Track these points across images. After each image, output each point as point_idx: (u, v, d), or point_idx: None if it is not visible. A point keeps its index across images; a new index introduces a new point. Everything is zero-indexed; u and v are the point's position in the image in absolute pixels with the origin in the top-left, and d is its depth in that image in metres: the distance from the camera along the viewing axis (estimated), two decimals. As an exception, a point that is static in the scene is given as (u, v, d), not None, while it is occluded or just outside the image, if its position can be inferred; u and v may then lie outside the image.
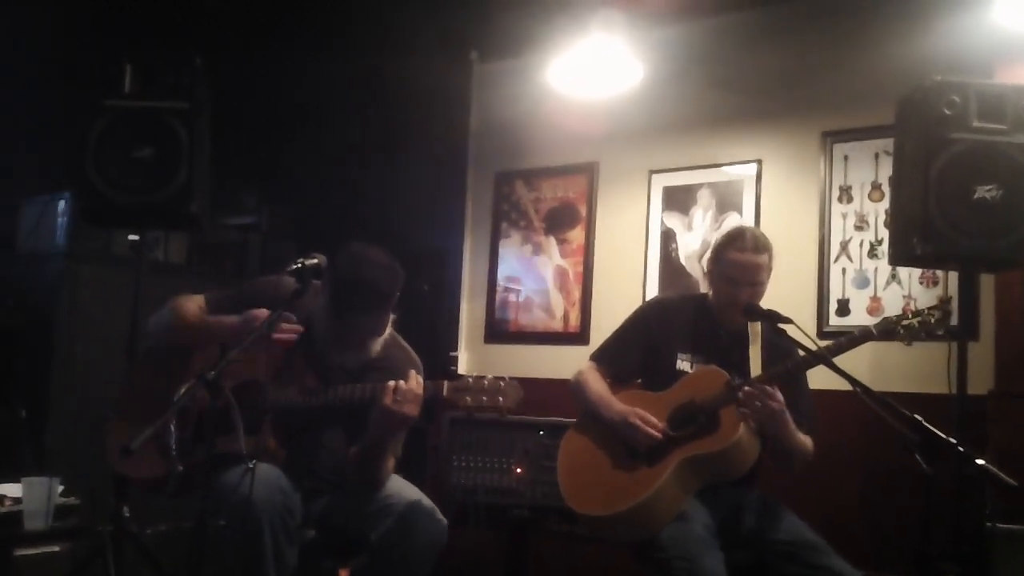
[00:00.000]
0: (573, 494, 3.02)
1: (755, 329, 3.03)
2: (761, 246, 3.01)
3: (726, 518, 2.91)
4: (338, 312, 2.78)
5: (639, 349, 3.18)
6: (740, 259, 2.99)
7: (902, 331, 2.74)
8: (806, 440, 2.93)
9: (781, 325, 2.80)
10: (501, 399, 2.70)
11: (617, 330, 3.29)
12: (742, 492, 2.99)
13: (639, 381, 3.21)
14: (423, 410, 2.76)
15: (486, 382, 2.72)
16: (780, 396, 2.79)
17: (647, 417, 2.92)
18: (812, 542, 2.80)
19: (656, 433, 2.89)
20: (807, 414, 2.99)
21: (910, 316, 2.76)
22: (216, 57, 3.52)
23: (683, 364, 3.08)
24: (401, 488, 2.89)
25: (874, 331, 2.77)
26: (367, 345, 2.87)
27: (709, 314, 3.13)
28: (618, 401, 3.04)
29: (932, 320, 2.74)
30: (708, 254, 3.16)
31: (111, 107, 3.35)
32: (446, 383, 2.75)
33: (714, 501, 2.91)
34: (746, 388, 2.81)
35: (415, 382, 2.71)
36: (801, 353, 2.83)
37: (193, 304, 2.98)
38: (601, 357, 3.24)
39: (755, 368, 2.97)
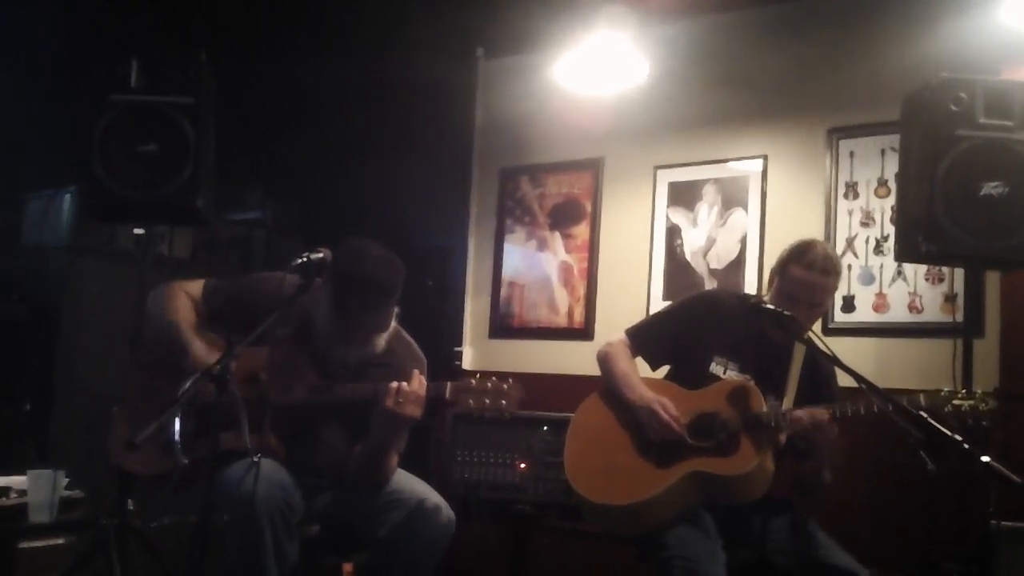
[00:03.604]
0: (577, 473, 2.96)
1: (800, 348, 2.92)
2: (831, 268, 2.87)
3: (731, 517, 2.88)
4: (341, 310, 2.76)
5: (675, 337, 3.08)
6: (805, 278, 2.84)
7: (950, 409, 2.60)
8: (829, 476, 2.88)
9: (823, 348, 2.73)
10: (504, 401, 2.70)
11: (660, 311, 3.22)
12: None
13: (667, 370, 3.15)
14: (426, 408, 2.75)
15: (489, 384, 2.71)
16: (835, 431, 2.71)
17: (670, 408, 2.84)
18: (818, 541, 2.79)
19: (675, 426, 2.82)
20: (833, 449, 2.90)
21: (961, 397, 2.62)
22: (221, 52, 3.52)
23: (717, 367, 2.98)
24: (409, 483, 2.89)
25: (923, 400, 2.60)
26: (371, 341, 2.85)
27: (757, 322, 2.98)
28: (644, 385, 2.96)
29: (982, 407, 2.60)
30: (774, 263, 3.01)
31: (117, 102, 3.35)
32: (449, 384, 2.75)
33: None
34: (817, 416, 2.69)
35: (417, 383, 2.70)
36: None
37: (184, 298, 2.95)
38: (635, 334, 3.13)
39: (792, 389, 2.90)
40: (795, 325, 2.79)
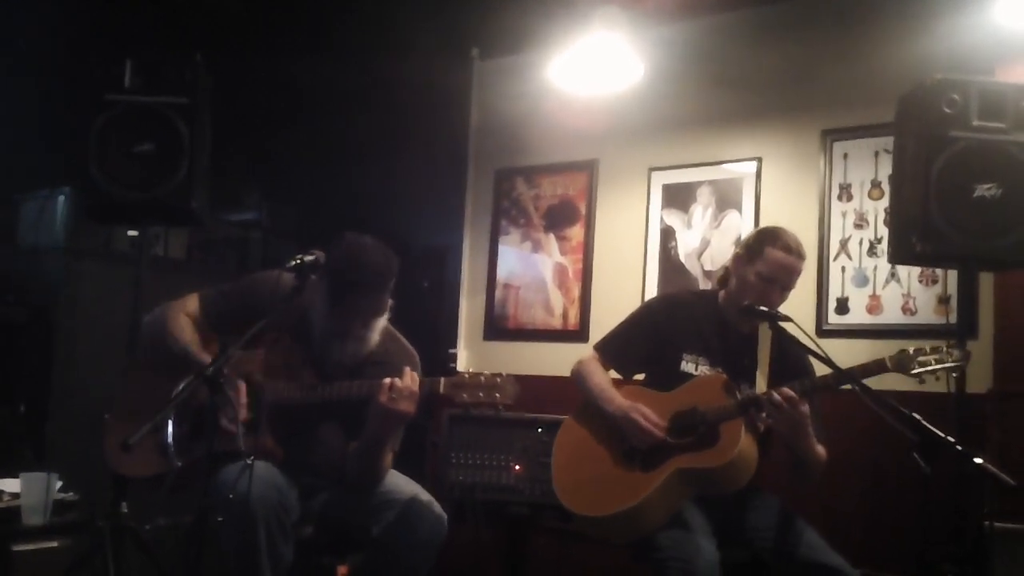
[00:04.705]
0: (565, 489, 2.99)
1: (765, 334, 2.96)
2: (803, 252, 2.94)
3: (723, 516, 2.90)
4: (336, 298, 2.78)
5: (643, 344, 3.11)
6: (784, 260, 2.90)
7: (916, 367, 2.63)
8: (822, 451, 2.87)
9: (788, 329, 2.76)
10: (498, 395, 2.69)
11: (623, 322, 3.23)
12: (740, 490, 2.97)
13: (641, 377, 3.17)
14: (422, 406, 2.76)
15: (483, 378, 2.71)
16: (807, 407, 2.72)
17: (649, 414, 2.87)
18: (811, 541, 2.80)
19: (657, 432, 2.84)
20: (821, 425, 2.92)
21: (927, 351, 2.65)
22: (217, 53, 3.52)
23: (688, 365, 3.02)
24: (400, 482, 2.90)
25: (888, 363, 2.67)
26: (366, 334, 2.86)
27: (720, 315, 3.07)
28: (620, 395, 2.99)
29: (949, 359, 2.64)
30: (739, 249, 3.04)
31: (112, 102, 3.35)
32: (443, 379, 2.75)
33: (711, 499, 2.89)
34: (775, 395, 2.72)
35: (411, 379, 2.70)
36: (810, 360, 2.81)
37: (185, 319, 2.94)
38: (604, 348, 3.17)
39: (763, 375, 2.92)
40: (782, 319, 2.81)
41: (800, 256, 2.92)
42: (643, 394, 3.00)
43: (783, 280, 2.92)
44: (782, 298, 2.94)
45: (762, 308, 2.85)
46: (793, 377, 2.83)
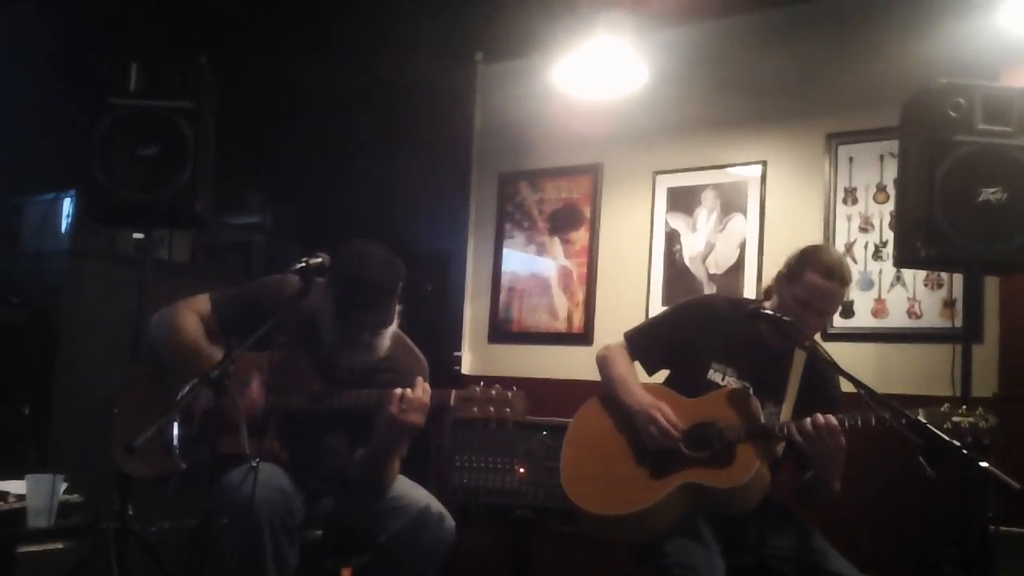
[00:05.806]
0: (572, 481, 2.94)
1: (800, 355, 2.89)
2: (848, 277, 2.83)
3: (729, 522, 2.84)
4: (343, 310, 2.75)
5: (671, 342, 3.04)
6: (824, 286, 2.77)
7: (949, 426, 2.54)
8: (838, 484, 2.83)
9: (824, 354, 2.71)
10: (508, 410, 2.68)
11: (657, 315, 3.19)
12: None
13: (666, 377, 3.10)
14: (429, 416, 2.74)
15: (494, 392, 2.69)
16: (844, 441, 2.66)
17: (669, 415, 2.80)
18: (816, 546, 2.78)
19: (674, 433, 2.78)
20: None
21: (961, 413, 2.57)
22: (221, 56, 3.52)
23: (715, 375, 2.94)
24: (412, 491, 2.88)
25: (923, 418, 2.53)
26: (375, 343, 2.83)
27: (754, 328, 2.93)
28: (642, 390, 2.92)
29: (981, 425, 2.56)
30: (781, 267, 2.94)
31: (117, 105, 3.37)
32: (453, 392, 2.73)
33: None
34: (818, 420, 2.65)
35: (421, 390, 2.69)
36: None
37: (194, 320, 2.92)
38: (633, 339, 3.10)
39: (791, 396, 2.86)
40: (796, 331, 2.75)
41: (842, 281, 2.80)
42: (667, 395, 2.93)
43: (820, 306, 2.82)
44: (821, 323, 2.86)
45: (767, 312, 2.81)
46: (821, 401, 2.78)
